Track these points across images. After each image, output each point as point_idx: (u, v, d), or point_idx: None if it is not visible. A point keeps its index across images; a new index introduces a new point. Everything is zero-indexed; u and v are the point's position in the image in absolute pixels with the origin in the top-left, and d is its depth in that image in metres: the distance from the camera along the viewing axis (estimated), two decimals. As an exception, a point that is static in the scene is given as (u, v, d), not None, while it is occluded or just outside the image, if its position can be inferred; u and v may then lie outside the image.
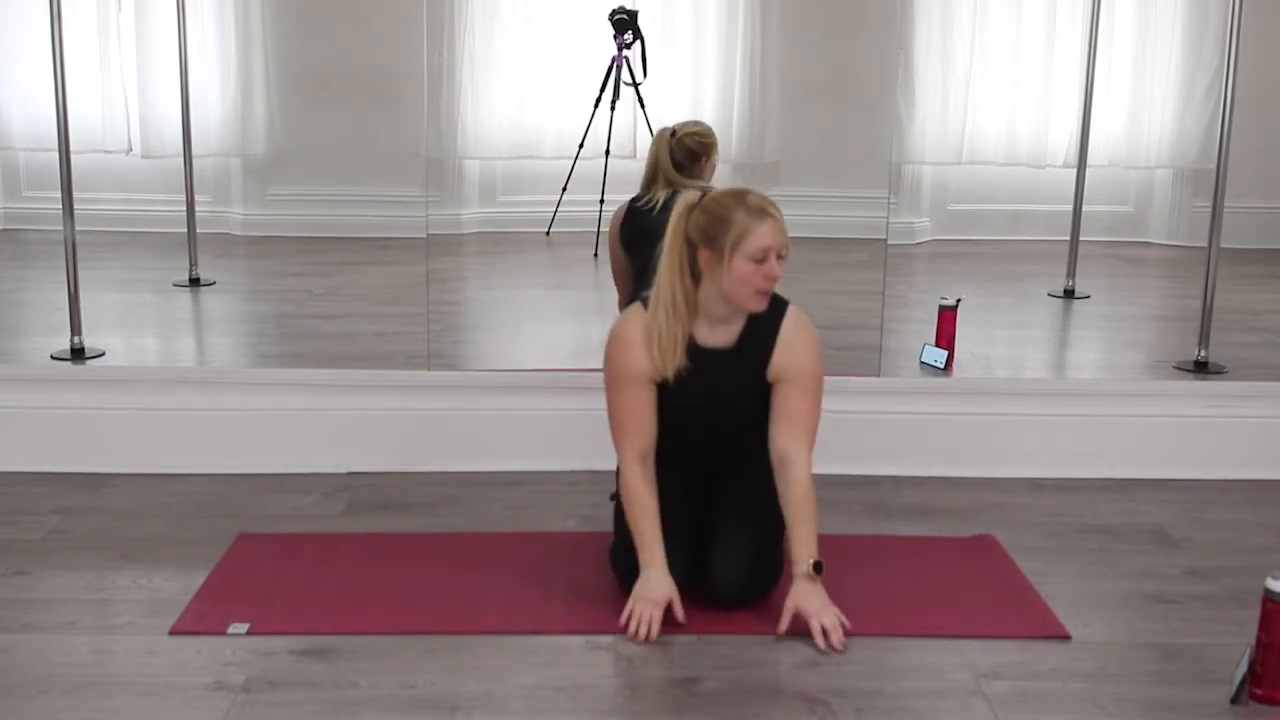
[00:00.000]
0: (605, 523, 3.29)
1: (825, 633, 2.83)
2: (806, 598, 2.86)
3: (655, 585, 2.90)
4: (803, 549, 2.89)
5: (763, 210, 2.84)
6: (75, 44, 4.67)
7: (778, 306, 2.97)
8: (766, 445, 2.99)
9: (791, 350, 2.95)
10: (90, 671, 2.73)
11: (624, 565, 3.04)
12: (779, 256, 2.85)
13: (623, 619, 2.89)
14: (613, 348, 2.99)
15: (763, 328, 2.95)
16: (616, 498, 3.11)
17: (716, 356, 2.95)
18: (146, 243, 5.83)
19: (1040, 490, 3.86)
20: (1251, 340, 4.78)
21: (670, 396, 2.97)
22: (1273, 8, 5.52)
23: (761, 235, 2.81)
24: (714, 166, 4.07)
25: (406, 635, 2.88)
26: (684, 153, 3.96)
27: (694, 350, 2.94)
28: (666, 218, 2.98)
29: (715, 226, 2.84)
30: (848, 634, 2.87)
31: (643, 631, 2.85)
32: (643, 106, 5.54)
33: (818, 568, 2.87)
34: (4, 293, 5.29)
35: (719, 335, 2.95)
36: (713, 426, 3.02)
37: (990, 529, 3.55)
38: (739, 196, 2.88)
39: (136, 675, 2.71)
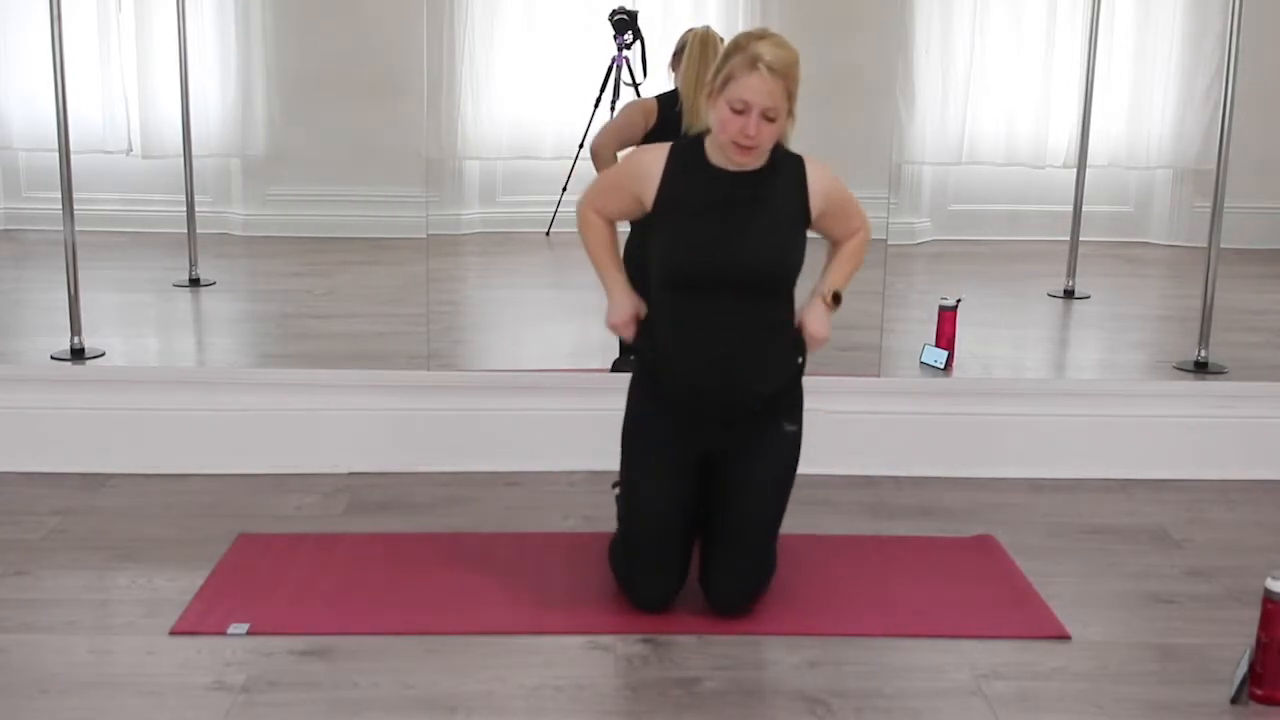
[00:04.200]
0: (605, 523, 3.29)
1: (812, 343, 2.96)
2: (817, 318, 2.94)
3: (620, 308, 2.97)
4: (831, 278, 2.97)
5: (755, 62, 2.71)
6: (75, 44, 4.67)
7: (793, 157, 2.90)
8: (784, 369, 2.94)
9: (826, 192, 2.90)
10: (90, 671, 2.73)
11: (621, 563, 3.05)
12: (768, 119, 2.73)
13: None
14: (637, 151, 3.05)
15: (786, 166, 2.88)
16: (618, 485, 3.11)
17: (740, 179, 2.84)
18: (146, 243, 5.82)
19: (1040, 490, 3.86)
20: (1251, 340, 4.77)
21: (695, 222, 2.82)
22: (1273, 8, 5.51)
23: (741, 86, 2.72)
24: None
25: (406, 635, 2.89)
26: None
27: (714, 172, 2.84)
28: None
29: (718, 60, 2.81)
30: (848, 634, 2.91)
31: (627, 334, 2.98)
32: (643, 107, 5.53)
33: (836, 298, 2.96)
34: (4, 293, 5.29)
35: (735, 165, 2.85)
36: (738, 266, 2.82)
37: (990, 529, 3.55)
38: (752, 38, 2.79)
39: (136, 675, 2.71)
